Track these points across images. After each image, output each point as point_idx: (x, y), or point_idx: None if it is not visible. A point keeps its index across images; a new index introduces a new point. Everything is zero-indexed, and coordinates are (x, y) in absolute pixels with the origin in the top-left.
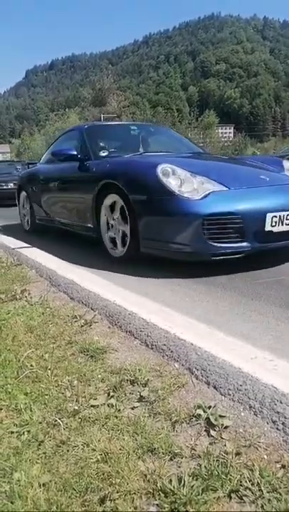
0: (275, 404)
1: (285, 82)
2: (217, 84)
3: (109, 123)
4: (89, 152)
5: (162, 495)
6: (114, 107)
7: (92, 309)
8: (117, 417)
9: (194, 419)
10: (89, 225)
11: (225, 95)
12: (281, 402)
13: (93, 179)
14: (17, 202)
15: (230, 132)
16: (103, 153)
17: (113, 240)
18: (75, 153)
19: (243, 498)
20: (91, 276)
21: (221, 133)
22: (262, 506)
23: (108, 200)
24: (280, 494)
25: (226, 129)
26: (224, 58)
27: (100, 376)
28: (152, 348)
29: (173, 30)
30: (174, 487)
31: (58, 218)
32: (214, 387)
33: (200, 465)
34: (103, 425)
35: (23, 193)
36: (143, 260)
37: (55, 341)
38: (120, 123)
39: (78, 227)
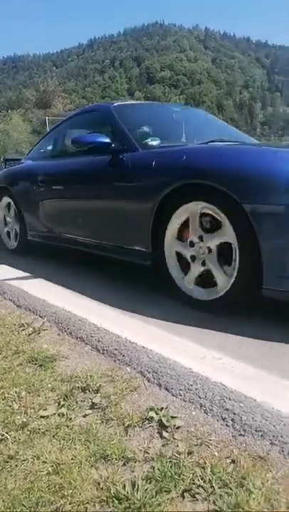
0: (224, 402)
1: (226, 90)
2: (162, 91)
3: (140, 102)
4: (129, 140)
5: (116, 501)
6: (59, 110)
7: (40, 316)
8: (68, 426)
9: (147, 422)
10: (139, 248)
11: (170, 101)
12: (230, 399)
13: (152, 179)
14: None
15: None
16: (153, 142)
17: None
18: (108, 141)
19: (196, 496)
20: (39, 282)
21: None
22: (214, 502)
23: (185, 212)
24: (231, 489)
25: None
26: (169, 65)
27: (49, 385)
28: (104, 353)
29: (118, 35)
30: (127, 492)
31: (70, 235)
32: (166, 389)
33: (153, 468)
34: (54, 436)
35: (5, 200)
36: (95, 264)
37: (1, 352)
38: (153, 102)
39: (114, 249)
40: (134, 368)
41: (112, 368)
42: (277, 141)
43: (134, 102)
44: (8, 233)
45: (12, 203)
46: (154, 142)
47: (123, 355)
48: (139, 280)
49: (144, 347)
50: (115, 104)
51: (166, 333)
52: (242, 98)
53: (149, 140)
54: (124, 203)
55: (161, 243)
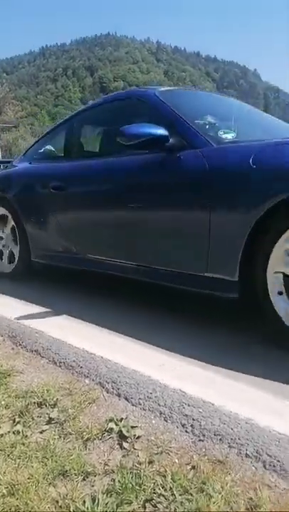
0: (184, 408)
1: None
2: None
3: (182, 88)
4: (193, 133)
5: None
6: (10, 117)
7: None
8: (24, 443)
9: (106, 433)
10: (218, 276)
11: None
12: (189, 405)
13: (250, 185)
14: None
15: None
16: (227, 135)
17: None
18: (166, 133)
19: (157, 505)
20: None
21: None
22: (175, 510)
23: None
24: (191, 495)
25: None
26: (122, 76)
27: (3, 402)
28: (61, 366)
29: (70, 44)
30: (87, 508)
31: (100, 256)
32: (125, 399)
33: (114, 480)
34: (9, 455)
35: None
36: (52, 274)
37: None
38: (204, 92)
39: (175, 277)
40: (93, 380)
41: (69, 380)
42: None
43: (174, 88)
44: (2, 252)
45: (8, 214)
46: (229, 136)
47: (81, 367)
48: (96, 286)
49: (102, 357)
50: (161, 89)
51: (124, 341)
52: None
53: (222, 133)
54: (197, 216)
55: (258, 269)
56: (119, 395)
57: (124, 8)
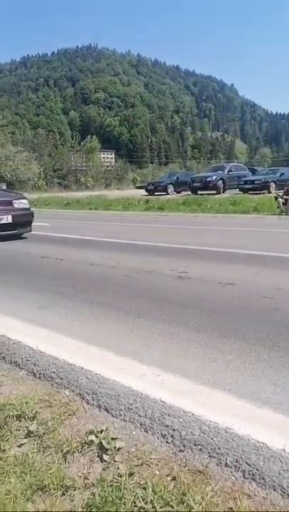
0: (164, 418)
1: (158, 114)
2: (97, 112)
3: None
4: None
5: None
6: None
7: None
8: (1, 458)
9: (86, 446)
10: None
11: (105, 122)
12: (169, 415)
13: None
14: None
15: (111, 157)
16: None
17: None
18: None
19: None
20: None
21: (103, 157)
22: None
23: None
24: (172, 507)
25: (107, 154)
26: (103, 87)
27: None
28: (40, 377)
29: (52, 55)
30: None
31: None
32: (106, 410)
33: (94, 494)
34: None
35: None
36: (18, 283)
37: None
38: None
39: None
40: (73, 391)
41: (49, 392)
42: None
43: None
44: None
45: None
46: None
47: (61, 378)
48: (75, 297)
49: (82, 368)
50: None
51: (105, 352)
52: (173, 122)
53: None
54: None
55: None
56: (99, 407)
57: (105, 20)
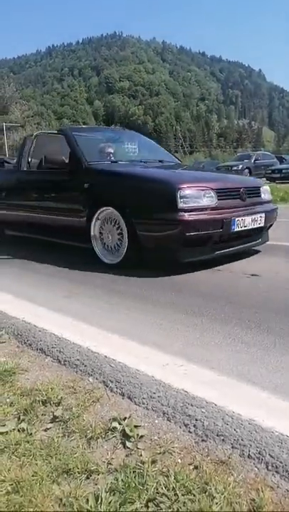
0: (187, 408)
1: (183, 102)
2: (122, 101)
3: None
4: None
5: None
6: (17, 117)
7: None
8: (28, 441)
9: (110, 432)
10: None
11: (130, 111)
12: (192, 405)
13: None
14: None
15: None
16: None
17: None
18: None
19: (160, 505)
20: None
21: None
22: (177, 510)
23: None
24: (194, 495)
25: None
26: (127, 76)
27: (8, 400)
28: (65, 365)
29: (76, 44)
30: (91, 506)
31: None
32: (129, 398)
33: (117, 479)
34: (13, 452)
35: None
36: (45, 271)
37: None
38: None
39: None
40: (97, 378)
41: (73, 379)
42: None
43: None
44: None
45: None
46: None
47: (85, 366)
48: (100, 286)
49: (106, 356)
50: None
51: (128, 341)
52: (198, 110)
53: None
54: None
55: None
56: (122, 394)
57: (130, 8)
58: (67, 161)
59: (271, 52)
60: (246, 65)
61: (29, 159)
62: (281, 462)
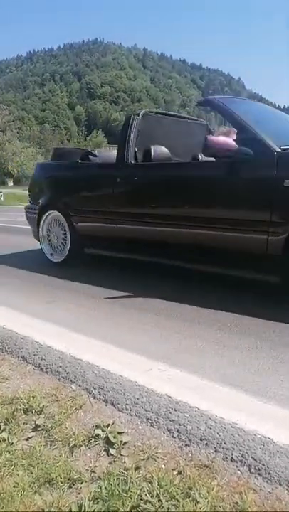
0: (170, 413)
1: (164, 108)
2: (103, 106)
3: None
4: None
5: None
6: None
7: None
8: (9, 451)
9: (93, 440)
10: None
11: (111, 117)
12: (175, 410)
13: None
14: None
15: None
16: None
17: None
18: None
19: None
20: None
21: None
22: None
23: None
24: (178, 500)
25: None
26: (109, 82)
27: None
28: (47, 372)
29: (58, 49)
30: None
31: None
32: (112, 404)
33: (100, 487)
34: None
35: None
36: (24, 277)
37: None
38: None
39: None
40: (80, 385)
41: (56, 386)
42: None
43: None
44: None
45: None
46: None
47: (68, 373)
48: (82, 292)
49: (89, 363)
50: None
51: (111, 346)
52: None
53: None
54: None
55: None
56: (106, 401)
57: (111, 15)
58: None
59: (251, 60)
60: (226, 73)
61: (135, 149)
62: (263, 465)
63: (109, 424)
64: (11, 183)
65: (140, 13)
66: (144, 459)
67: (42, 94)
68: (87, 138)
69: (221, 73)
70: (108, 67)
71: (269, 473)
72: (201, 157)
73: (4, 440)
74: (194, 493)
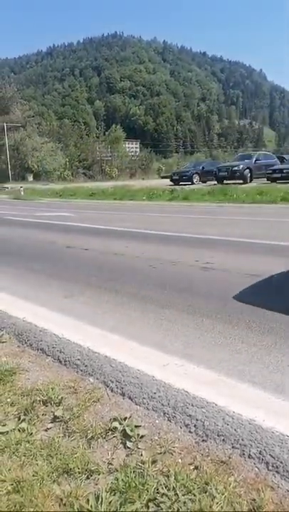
0: (187, 408)
1: (184, 102)
2: (122, 101)
3: None
4: None
5: None
6: (18, 117)
7: None
8: (29, 441)
9: (110, 432)
10: None
11: (130, 111)
12: (192, 405)
13: None
14: None
15: (136, 147)
16: None
17: None
18: None
19: (160, 505)
20: None
21: (128, 147)
22: (178, 510)
23: None
24: (194, 495)
25: (132, 144)
26: (128, 76)
27: (9, 400)
28: (66, 365)
29: (77, 44)
30: (91, 506)
31: None
32: (129, 398)
33: (117, 479)
34: (14, 452)
35: None
36: (54, 274)
37: None
38: None
39: None
40: (97, 378)
41: (74, 379)
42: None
43: None
44: None
45: None
46: None
47: (86, 366)
48: (101, 287)
49: (106, 356)
50: None
51: (129, 341)
52: (199, 110)
53: None
54: None
55: None
56: (123, 394)
57: (131, 8)
58: None
59: (273, 52)
60: (247, 65)
61: None
62: (282, 462)
63: (126, 418)
64: (30, 178)
65: (160, 5)
66: (160, 453)
67: (62, 89)
68: (106, 133)
69: (242, 65)
70: (127, 61)
71: (287, 471)
72: None
73: (24, 430)
74: (211, 489)
